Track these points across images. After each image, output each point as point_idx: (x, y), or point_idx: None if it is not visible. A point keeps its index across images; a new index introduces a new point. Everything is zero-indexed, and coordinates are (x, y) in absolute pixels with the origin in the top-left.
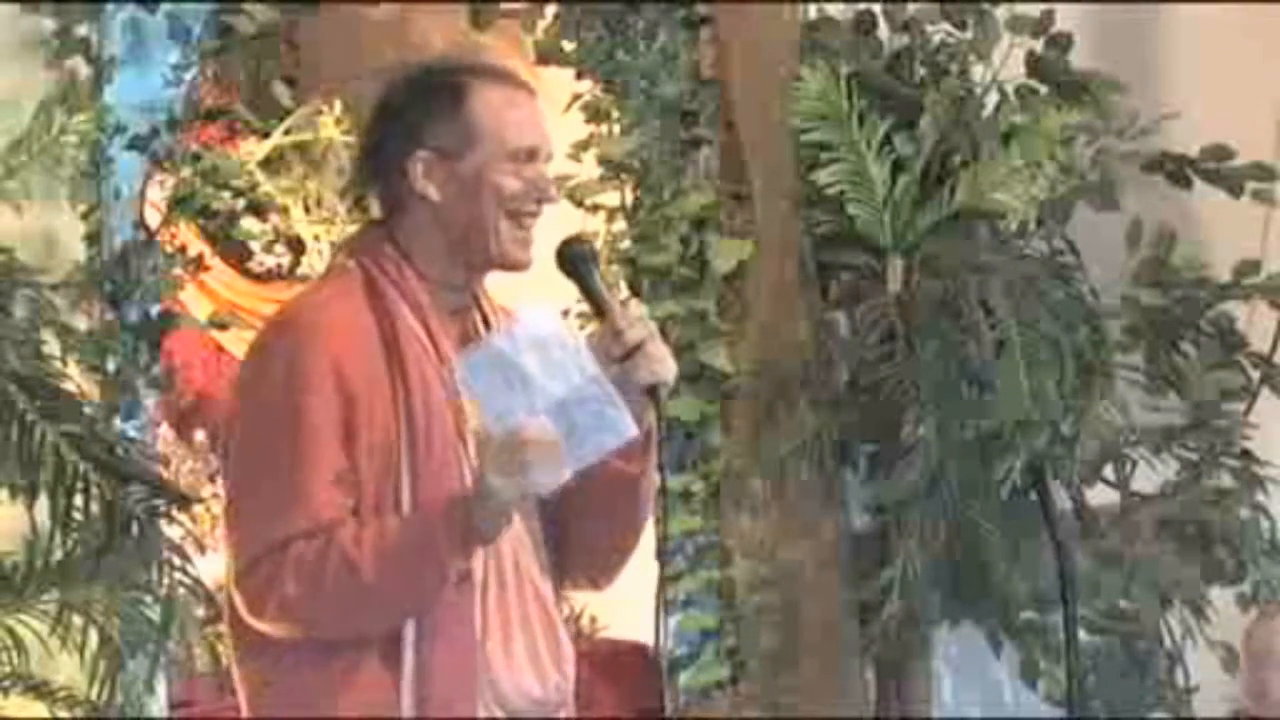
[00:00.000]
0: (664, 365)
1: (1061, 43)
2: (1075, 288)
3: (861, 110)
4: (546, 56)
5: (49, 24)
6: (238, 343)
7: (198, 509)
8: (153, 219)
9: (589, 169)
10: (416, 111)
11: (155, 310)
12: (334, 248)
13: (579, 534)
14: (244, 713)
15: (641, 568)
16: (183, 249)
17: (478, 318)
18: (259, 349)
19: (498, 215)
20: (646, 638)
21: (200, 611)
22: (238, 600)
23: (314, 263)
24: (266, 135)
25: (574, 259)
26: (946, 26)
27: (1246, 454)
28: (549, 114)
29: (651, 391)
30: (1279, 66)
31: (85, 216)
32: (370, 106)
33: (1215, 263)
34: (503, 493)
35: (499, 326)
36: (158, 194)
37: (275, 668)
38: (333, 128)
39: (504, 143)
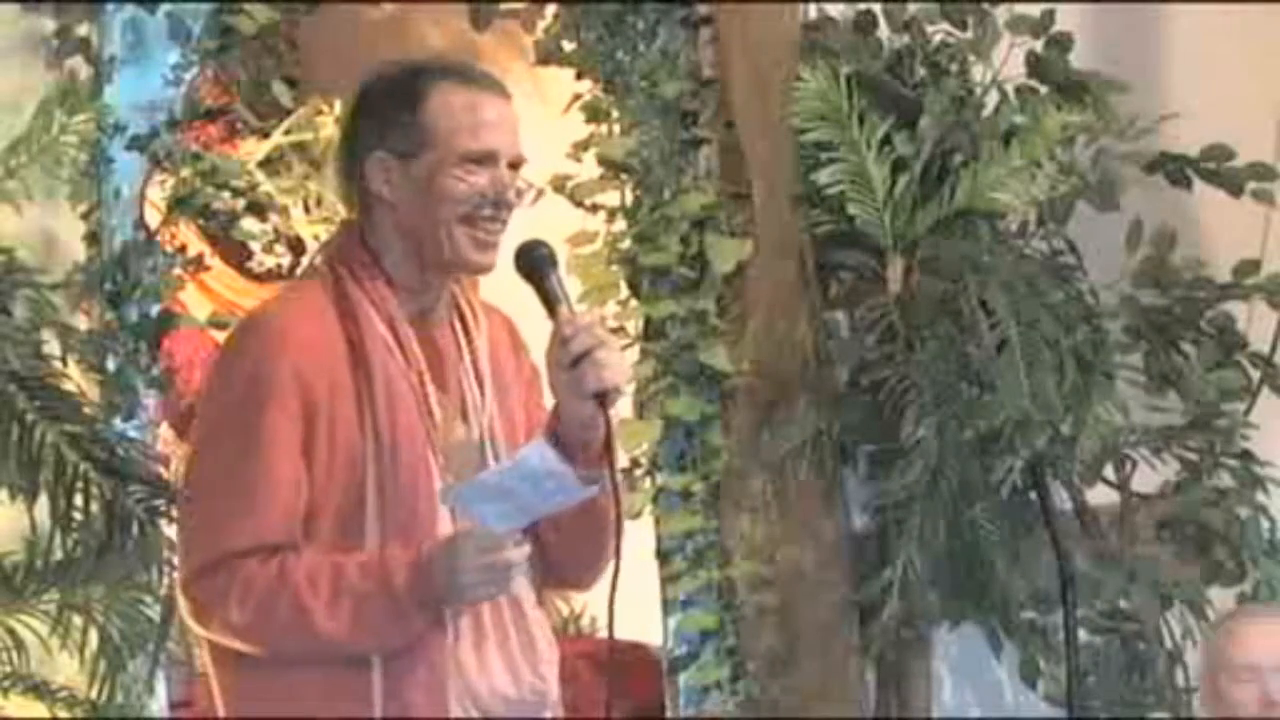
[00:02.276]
0: (612, 372)
1: (1061, 43)
2: (1075, 288)
3: (861, 110)
4: (546, 56)
5: (49, 24)
6: None
7: None
8: (153, 219)
9: (589, 169)
10: (377, 112)
11: (155, 310)
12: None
13: (553, 541)
14: (220, 712)
15: (641, 568)
16: (183, 249)
17: (455, 318)
18: (224, 353)
19: (450, 219)
20: (647, 637)
21: None
22: (184, 606)
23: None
24: (266, 135)
25: (531, 262)
26: (946, 26)
27: (1246, 454)
28: (549, 114)
29: (600, 398)
30: (1279, 66)
31: (85, 216)
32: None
33: (1215, 263)
34: (475, 592)
35: (498, 464)
36: (158, 194)
37: (241, 671)
38: (333, 128)
39: (456, 146)
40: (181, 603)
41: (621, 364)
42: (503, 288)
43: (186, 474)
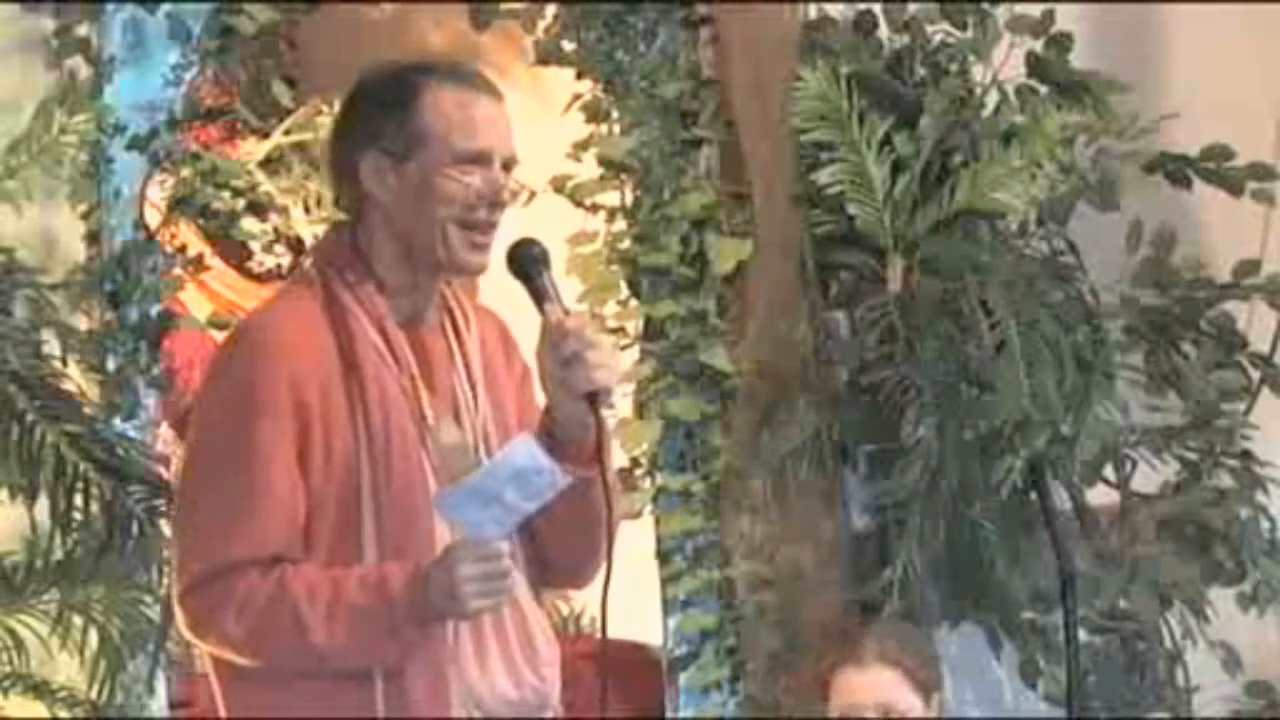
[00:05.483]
0: (602, 372)
1: (1061, 43)
2: (1075, 288)
3: (861, 110)
4: (546, 56)
5: (49, 24)
6: None
7: None
8: (153, 219)
9: (589, 169)
10: (369, 113)
11: (155, 310)
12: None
13: (549, 539)
14: (221, 713)
15: (642, 568)
16: (183, 249)
17: (445, 319)
18: (215, 363)
19: (445, 220)
20: (647, 637)
21: None
22: (180, 618)
23: None
24: (266, 135)
25: (522, 260)
26: (946, 26)
27: (1246, 454)
28: (549, 114)
29: (591, 398)
30: (1279, 66)
31: (85, 216)
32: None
33: (1215, 263)
34: (474, 603)
35: (484, 463)
36: (158, 194)
37: (241, 677)
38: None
39: (449, 146)
40: (178, 614)
41: (613, 364)
42: (501, 288)
43: (181, 485)
